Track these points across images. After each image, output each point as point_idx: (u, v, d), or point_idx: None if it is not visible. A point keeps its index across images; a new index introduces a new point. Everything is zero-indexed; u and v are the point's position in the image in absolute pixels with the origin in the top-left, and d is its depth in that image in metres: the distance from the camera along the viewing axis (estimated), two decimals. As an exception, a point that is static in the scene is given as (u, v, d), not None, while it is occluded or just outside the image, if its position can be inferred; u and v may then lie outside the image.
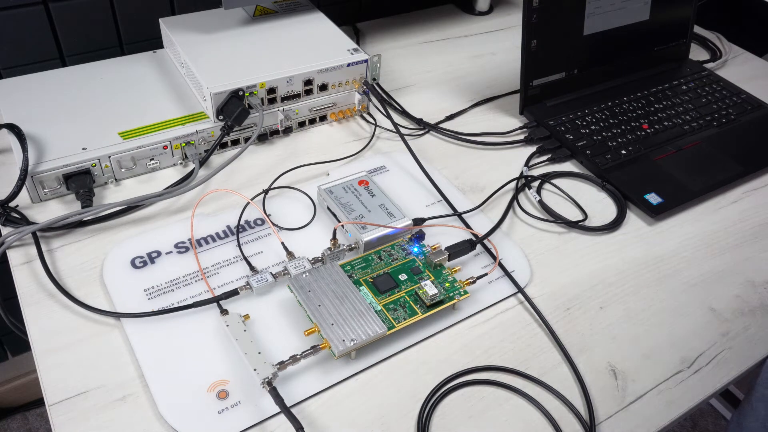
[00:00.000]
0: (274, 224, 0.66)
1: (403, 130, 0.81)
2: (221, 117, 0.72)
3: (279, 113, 0.76)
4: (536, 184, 0.76)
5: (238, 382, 0.52)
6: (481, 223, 0.69)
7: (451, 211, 0.70)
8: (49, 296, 0.58)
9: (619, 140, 0.81)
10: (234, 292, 0.58)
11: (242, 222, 0.66)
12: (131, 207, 0.67)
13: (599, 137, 0.81)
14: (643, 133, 0.83)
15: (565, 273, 0.65)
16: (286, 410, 0.49)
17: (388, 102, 0.86)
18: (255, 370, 0.50)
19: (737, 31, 1.11)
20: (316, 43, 0.79)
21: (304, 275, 0.57)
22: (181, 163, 0.73)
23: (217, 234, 0.65)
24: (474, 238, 0.64)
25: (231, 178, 0.73)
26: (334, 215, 0.67)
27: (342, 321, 0.54)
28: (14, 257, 0.61)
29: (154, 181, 0.71)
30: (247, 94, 0.72)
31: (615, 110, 0.86)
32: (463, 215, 0.69)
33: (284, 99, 0.76)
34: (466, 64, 0.97)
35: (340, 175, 0.72)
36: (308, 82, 0.76)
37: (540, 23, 0.81)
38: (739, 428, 0.68)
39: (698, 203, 0.75)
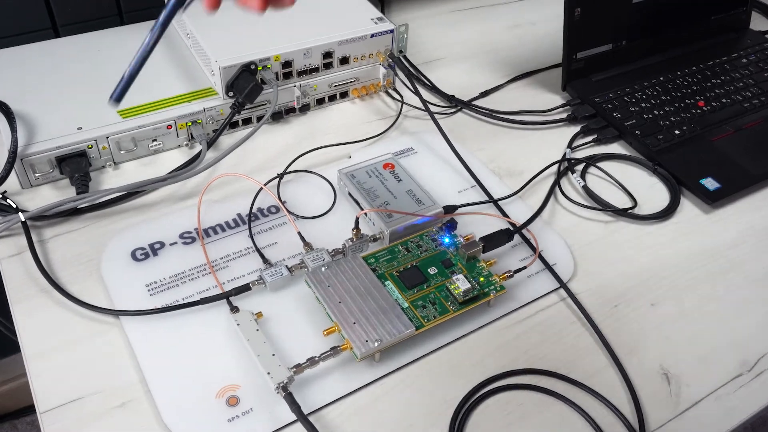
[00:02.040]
0: (289, 212, 0.65)
1: (432, 108, 0.79)
2: (231, 93, 0.71)
3: (295, 89, 0.75)
4: (580, 167, 0.74)
5: (250, 388, 0.51)
6: (519, 211, 0.68)
7: (486, 198, 0.69)
8: (40, 292, 0.57)
9: (672, 119, 0.79)
10: (245, 288, 0.57)
11: (254, 210, 0.65)
12: (132, 193, 0.66)
13: (650, 116, 0.80)
14: (698, 111, 0.81)
15: (613, 266, 0.64)
16: (303, 418, 0.48)
17: (416, 77, 0.85)
18: (269, 374, 0.49)
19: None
20: (337, 12, 0.78)
21: (323, 269, 0.56)
22: (186, 145, 0.72)
23: (226, 223, 0.64)
24: (511, 228, 0.63)
25: (242, 161, 0.72)
26: (357, 202, 0.65)
27: (365, 319, 0.53)
28: (2, 249, 0.61)
29: (157, 165, 0.70)
30: (259, 68, 0.71)
31: (667, 86, 0.84)
32: (499, 202, 0.68)
33: (301, 73, 0.74)
34: (503, 34, 0.97)
35: (363, 157, 0.70)
36: (328, 55, 0.75)
37: (585, -11, 0.79)
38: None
39: (760, 189, 0.74)
